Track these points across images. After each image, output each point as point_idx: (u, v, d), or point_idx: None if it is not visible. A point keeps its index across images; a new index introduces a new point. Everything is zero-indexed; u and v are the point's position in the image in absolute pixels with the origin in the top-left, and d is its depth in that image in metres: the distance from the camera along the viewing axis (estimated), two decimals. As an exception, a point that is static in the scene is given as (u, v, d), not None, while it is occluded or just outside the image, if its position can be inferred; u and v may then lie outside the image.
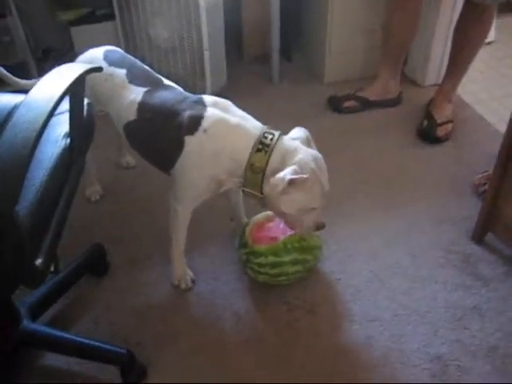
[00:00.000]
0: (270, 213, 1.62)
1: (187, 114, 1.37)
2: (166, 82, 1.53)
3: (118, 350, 1.36)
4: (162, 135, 1.41)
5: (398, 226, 1.83)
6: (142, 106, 1.44)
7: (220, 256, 1.73)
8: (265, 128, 1.37)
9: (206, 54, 2.26)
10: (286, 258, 1.52)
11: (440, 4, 2.34)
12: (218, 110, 1.38)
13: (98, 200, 1.95)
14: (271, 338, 1.47)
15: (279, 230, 1.57)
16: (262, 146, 1.32)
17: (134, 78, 1.50)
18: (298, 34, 2.80)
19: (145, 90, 1.47)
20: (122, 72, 1.51)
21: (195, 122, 1.35)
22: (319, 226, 1.41)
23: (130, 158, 2.09)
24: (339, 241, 1.77)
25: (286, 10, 2.52)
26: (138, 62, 1.58)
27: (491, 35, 2.91)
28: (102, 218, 1.87)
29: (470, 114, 2.41)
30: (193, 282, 1.63)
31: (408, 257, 1.71)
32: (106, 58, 1.56)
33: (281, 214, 1.38)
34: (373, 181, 2.03)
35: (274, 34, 2.49)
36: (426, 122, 2.24)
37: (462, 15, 2.10)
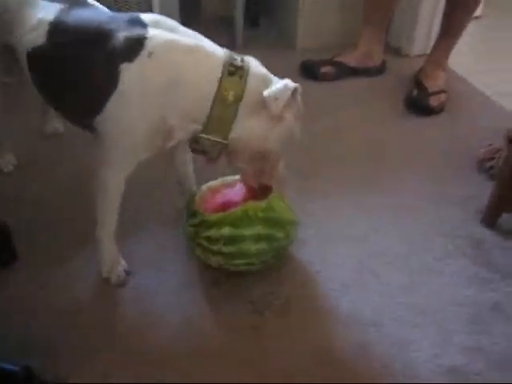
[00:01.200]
0: (227, 178, 1.25)
1: (122, 34, 0.98)
2: (93, 1, 1.14)
3: (9, 367, 0.95)
4: (83, 66, 1.02)
5: (386, 207, 1.47)
6: (55, 27, 1.05)
7: (166, 240, 1.33)
8: (228, 51, 1.03)
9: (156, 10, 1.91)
10: (247, 232, 1.13)
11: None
12: (163, 30, 1.00)
13: (12, 172, 1.53)
14: (231, 349, 1.09)
15: (239, 197, 1.19)
16: (235, 69, 0.98)
17: None
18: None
19: (60, 6, 1.08)
20: None
21: (135, 45, 0.97)
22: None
23: (58, 123, 1.67)
24: (317, 223, 1.40)
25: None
26: None
27: (478, 10, 2.64)
28: (16, 196, 1.45)
29: (464, 87, 2.10)
30: (127, 274, 1.23)
31: (403, 243, 1.36)
32: None
33: (256, 157, 1.08)
34: (355, 155, 1.68)
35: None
36: (415, 91, 1.92)
37: None
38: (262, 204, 1.15)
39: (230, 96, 0.98)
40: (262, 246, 1.16)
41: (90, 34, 1.02)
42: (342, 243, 1.35)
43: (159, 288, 1.21)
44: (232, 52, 1.05)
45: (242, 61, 1.02)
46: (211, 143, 1.03)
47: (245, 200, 1.16)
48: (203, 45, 1.02)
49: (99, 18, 1.05)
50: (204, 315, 1.16)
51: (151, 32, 0.99)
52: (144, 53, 0.96)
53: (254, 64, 1.04)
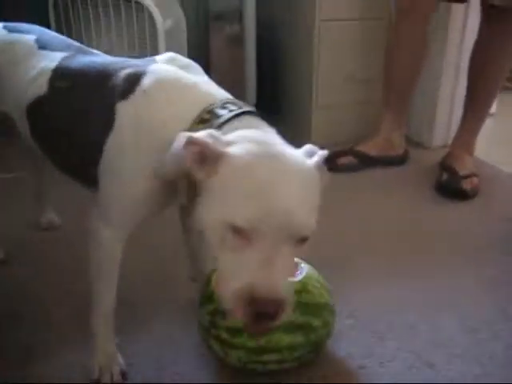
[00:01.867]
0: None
1: (125, 72, 0.86)
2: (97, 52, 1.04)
3: None
4: (85, 108, 0.89)
5: (434, 293, 1.24)
6: (58, 73, 0.95)
7: (170, 334, 1.09)
8: (230, 98, 0.85)
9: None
10: (278, 320, 0.90)
11: (445, 45, 2.02)
12: (173, 66, 0.88)
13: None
14: None
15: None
16: (211, 117, 0.79)
17: (48, 43, 1.02)
18: (277, 89, 2.40)
19: (63, 55, 0.98)
20: (30, 38, 1.03)
21: (132, 81, 0.84)
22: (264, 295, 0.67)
23: (54, 215, 1.52)
24: (354, 313, 1.16)
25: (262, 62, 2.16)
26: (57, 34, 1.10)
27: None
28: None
29: (496, 172, 1.95)
30: (123, 375, 0.97)
31: (465, 332, 1.10)
32: (5, 26, 1.08)
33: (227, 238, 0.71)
34: (389, 243, 1.48)
35: (250, 90, 2.11)
36: (445, 176, 1.77)
37: (479, 38, 1.74)
38: (296, 285, 0.93)
39: None
40: (297, 337, 0.92)
41: (92, 74, 0.90)
42: (387, 334, 1.10)
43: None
44: (239, 101, 0.84)
45: (232, 111, 0.79)
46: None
47: None
48: (205, 86, 0.85)
49: (106, 61, 0.94)
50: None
51: (156, 66, 0.86)
52: (140, 88, 0.82)
53: (253, 119, 0.80)
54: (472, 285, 1.27)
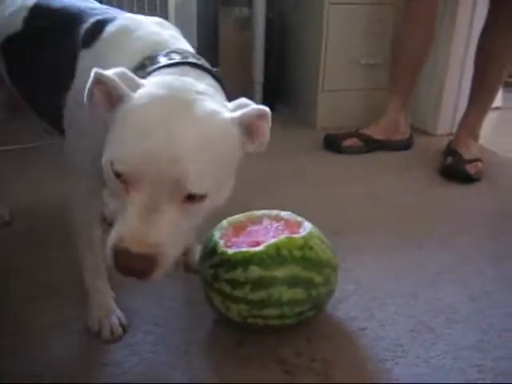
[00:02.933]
0: (253, 213, 1.04)
1: (93, 20, 0.86)
2: None
3: None
4: (55, 52, 0.89)
5: (434, 263, 1.24)
6: (35, 12, 0.96)
7: (170, 289, 1.10)
8: (185, 50, 0.81)
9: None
10: (279, 272, 0.90)
11: (453, 32, 2.02)
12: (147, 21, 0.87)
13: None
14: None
15: (269, 235, 0.97)
16: (149, 63, 0.76)
17: None
18: (285, 72, 2.41)
19: None
20: None
21: (98, 29, 0.84)
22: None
23: (5, 209, 1.37)
24: (356, 279, 1.16)
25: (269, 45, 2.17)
26: None
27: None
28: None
29: (499, 159, 1.95)
30: (123, 329, 0.97)
31: (467, 300, 1.10)
32: None
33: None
34: (394, 217, 1.48)
35: (257, 73, 2.11)
36: (450, 159, 1.77)
37: (487, 24, 1.74)
38: (299, 240, 0.94)
39: None
40: (298, 292, 0.92)
41: (67, 17, 0.90)
42: (388, 300, 1.10)
43: (161, 347, 0.95)
44: (193, 54, 0.81)
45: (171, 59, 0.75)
46: None
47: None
48: (161, 36, 0.82)
49: (87, 6, 0.93)
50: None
51: (120, 16, 0.86)
52: (102, 37, 0.82)
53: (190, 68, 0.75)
54: (473, 257, 1.27)
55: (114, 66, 0.70)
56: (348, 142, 1.91)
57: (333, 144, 1.92)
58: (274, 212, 1.04)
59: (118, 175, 0.63)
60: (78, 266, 0.97)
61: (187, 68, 0.76)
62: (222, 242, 0.95)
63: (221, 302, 0.94)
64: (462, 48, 2.06)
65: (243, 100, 0.72)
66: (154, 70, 0.74)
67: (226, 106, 0.71)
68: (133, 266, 0.63)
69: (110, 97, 0.67)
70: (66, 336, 0.96)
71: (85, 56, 0.83)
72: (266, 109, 0.69)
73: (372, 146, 1.93)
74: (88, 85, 0.68)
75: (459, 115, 1.98)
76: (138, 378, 0.87)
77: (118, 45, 0.81)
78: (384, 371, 0.91)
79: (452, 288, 1.14)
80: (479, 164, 1.76)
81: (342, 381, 0.88)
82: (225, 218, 1.03)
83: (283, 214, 1.04)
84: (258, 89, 2.17)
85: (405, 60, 1.86)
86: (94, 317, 0.97)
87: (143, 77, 0.73)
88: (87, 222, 0.93)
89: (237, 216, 1.03)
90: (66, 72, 0.84)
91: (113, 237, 0.64)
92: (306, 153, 1.92)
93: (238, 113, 0.69)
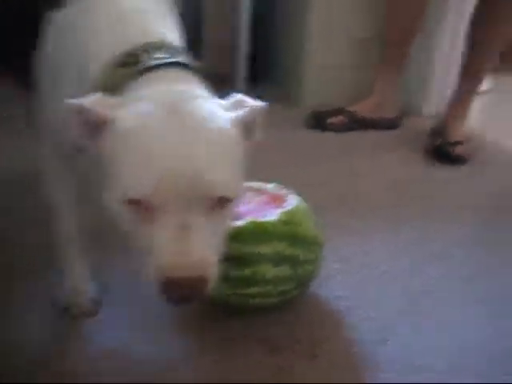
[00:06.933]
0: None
1: None
2: None
3: None
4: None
5: (428, 242, 1.21)
6: None
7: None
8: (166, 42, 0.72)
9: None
10: (265, 248, 0.85)
11: (445, 12, 1.97)
12: None
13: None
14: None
15: (252, 209, 0.91)
16: (133, 60, 0.67)
17: None
18: (272, 44, 2.32)
19: None
20: None
21: None
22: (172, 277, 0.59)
23: None
24: (341, 258, 1.12)
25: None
26: None
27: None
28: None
29: (487, 141, 1.92)
30: (95, 304, 0.91)
31: (456, 281, 1.07)
32: None
33: None
34: (380, 193, 1.44)
35: (243, 41, 2.02)
36: (439, 140, 1.73)
37: (479, 2, 1.69)
38: (284, 215, 0.88)
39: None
40: (283, 269, 0.87)
41: None
42: (376, 279, 1.06)
43: (138, 324, 0.89)
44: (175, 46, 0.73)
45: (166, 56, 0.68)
46: None
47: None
48: (144, 14, 0.74)
49: None
50: (207, 357, 0.83)
51: None
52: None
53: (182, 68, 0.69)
54: (463, 238, 1.24)
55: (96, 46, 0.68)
56: (333, 120, 1.85)
57: (317, 121, 1.86)
58: (257, 184, 0.98)
59: (134, 204, 0.58)
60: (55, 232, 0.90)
61: (175, 70, 0.68)
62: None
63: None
64: (453, 26, 2.01)
65: (240, 97, 0.71)
66: (138, 73, 0.66)
67: (221, 105, 0.68)
68: (187, 292, 0.59)
69: (90, 125, 0.61)
70: (36, 312, 0.89)
71: (57, 16, 0.76)
72: (265, 105, 0.71)
73: (358, 124, 1.87)
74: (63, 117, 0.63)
75: (447, 96, 1.94)
76: (112, 354, 0.81)
77: (95, 19, 0.73)
78: (371, 352, 0.87)
79: (442, 268, 1.11)
80: (467, 146, 1.72)
81: (328, 362, 0.84)
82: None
83: (268, 186, 0.98)
84: (242, 62, 2.08)
85: (396, 31, 1.79)
86: (66, 290, 0.90)
87: (127, 79, 0.66)
88: (54, 158, 0.86)
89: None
90: (30, 36, 0.79)
91: (156, 269, 0.59)
92: (291, 130, 1.85)
93: (240, 112, 0.67)
